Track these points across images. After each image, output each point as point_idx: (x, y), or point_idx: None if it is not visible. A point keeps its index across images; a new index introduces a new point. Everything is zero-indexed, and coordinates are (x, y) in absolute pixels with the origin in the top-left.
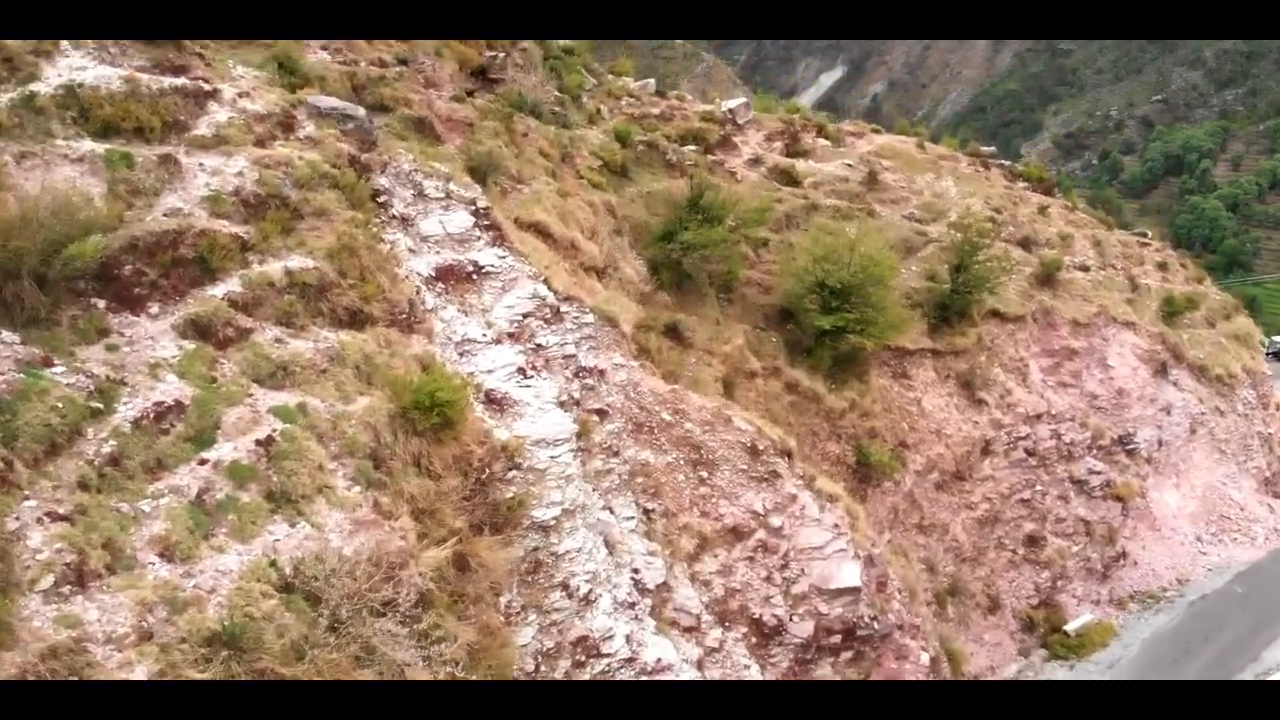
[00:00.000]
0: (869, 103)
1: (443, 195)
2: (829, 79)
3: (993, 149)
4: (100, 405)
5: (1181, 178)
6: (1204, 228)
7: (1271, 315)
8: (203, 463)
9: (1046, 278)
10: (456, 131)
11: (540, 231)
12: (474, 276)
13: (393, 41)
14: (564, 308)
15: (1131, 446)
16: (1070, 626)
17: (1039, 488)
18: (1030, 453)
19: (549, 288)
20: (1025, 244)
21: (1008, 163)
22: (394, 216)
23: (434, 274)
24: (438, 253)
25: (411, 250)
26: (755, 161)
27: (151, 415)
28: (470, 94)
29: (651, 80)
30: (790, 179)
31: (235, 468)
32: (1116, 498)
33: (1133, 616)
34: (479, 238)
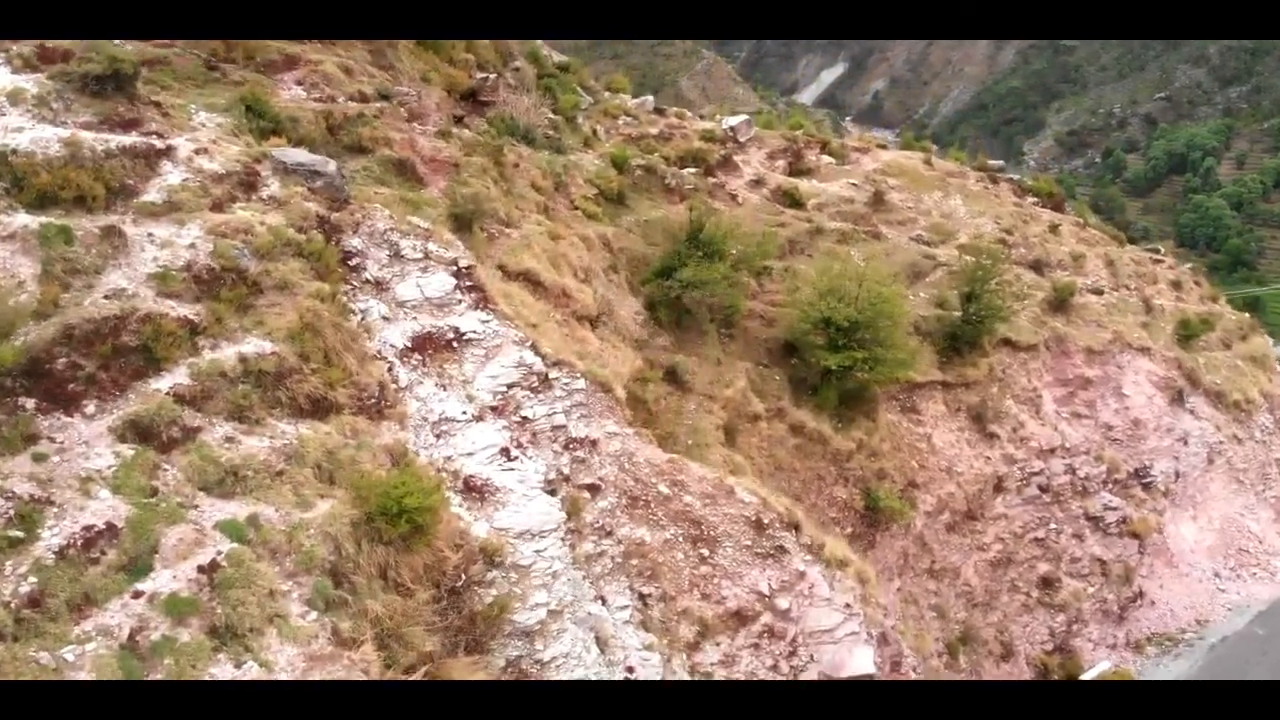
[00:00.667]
0: (870, 100)
1: (421, 256)
2: (830, 76)
3: (1001, 163)
4: (21, 533)
5: (1185, 176)
6: (1208, 227)
7: (1275, 317)
8: (137, 596)
9: (1060, 303)
10: (441, 172)
11: (530, 280)
12: (454, 344)
13: (375, 72)
14: (553, 373)
15: (1148, 480)
16: (1087, 675)
17: (1053, 526)
18: (1044, 489)
19: (536, 352)
20: (1037, 267)
21: (1016, 177)
22: (367, 281)
23: (410, 344)
24: (415, 319)
25: (385, 318)
26: (757, 182)
27: (80, 542)
28: (459, 120)
29: (649, 98)
30: (793, 200)
31: (173, 601)
32: (1133, 534)
33: (1151, 662)
34: (460, 301)
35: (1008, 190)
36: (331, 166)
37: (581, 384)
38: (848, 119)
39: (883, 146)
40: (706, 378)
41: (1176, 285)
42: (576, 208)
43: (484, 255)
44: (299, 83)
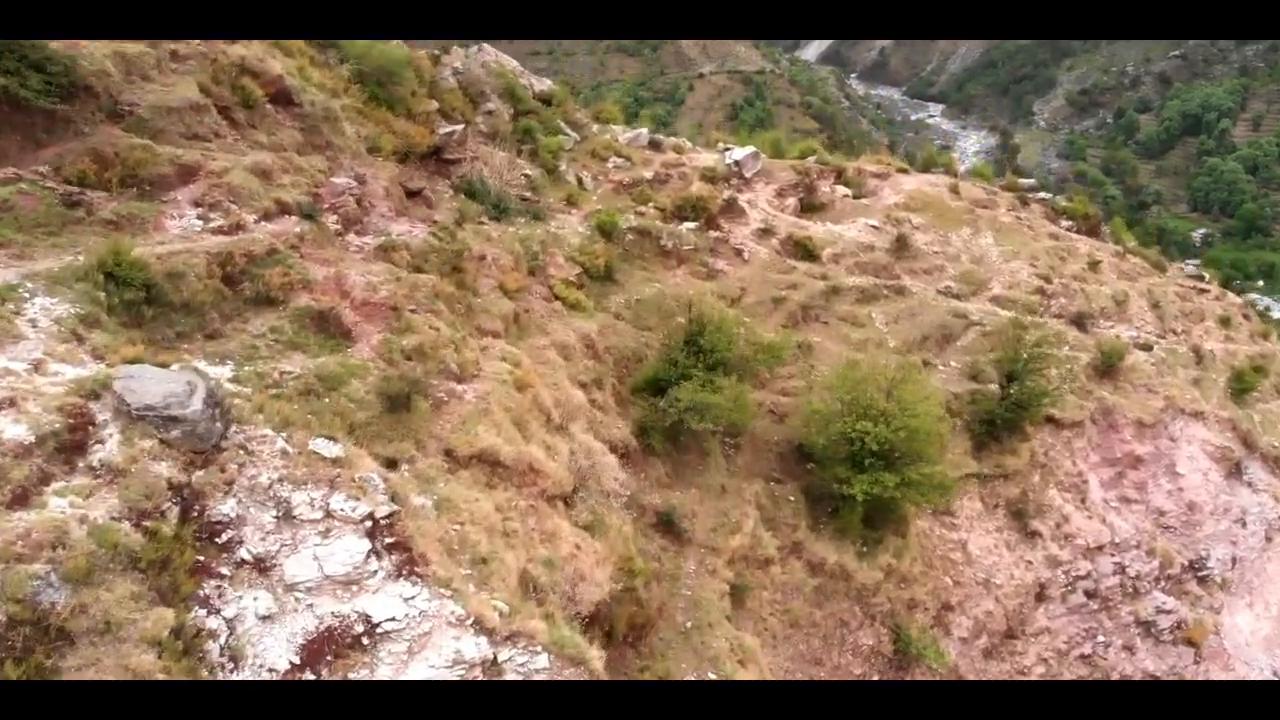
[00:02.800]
0: (876, 56)
1: (321, 514)
2: None
3: (1032, 181)
4: None
5: (1200, 138)
6: (1222, 191)
7: None
8: None
9: (1107, 368)
10: (376, 319)
11: (488, 461)
12: (365, 640)
13: (303, 164)
14: (504, 653)
15: (1204, 573)
16: None
17: (1101, 638)
18: (1091, 594)
19: (481, 629)
20: (1080, 321)
21: (1048, 197)
22: (243, 562)
23: (301, 655)
24: (311, 608)
25: (267, 617)
26: (765, 232)
27: None
28: (416, 195)
29: (643, 131)
30: (806, 252)
31: None
32: (1188, 641)
33: None
34: (376, 571)
35: (1040, 215)
36: (196, 405)
37: (543, 661)
38: (853, 76)
39: (904, 170)
40: (709, 521)
41: (1225, 322)
42: (556, 296)
43: (427, 437)
44: (196, 204)
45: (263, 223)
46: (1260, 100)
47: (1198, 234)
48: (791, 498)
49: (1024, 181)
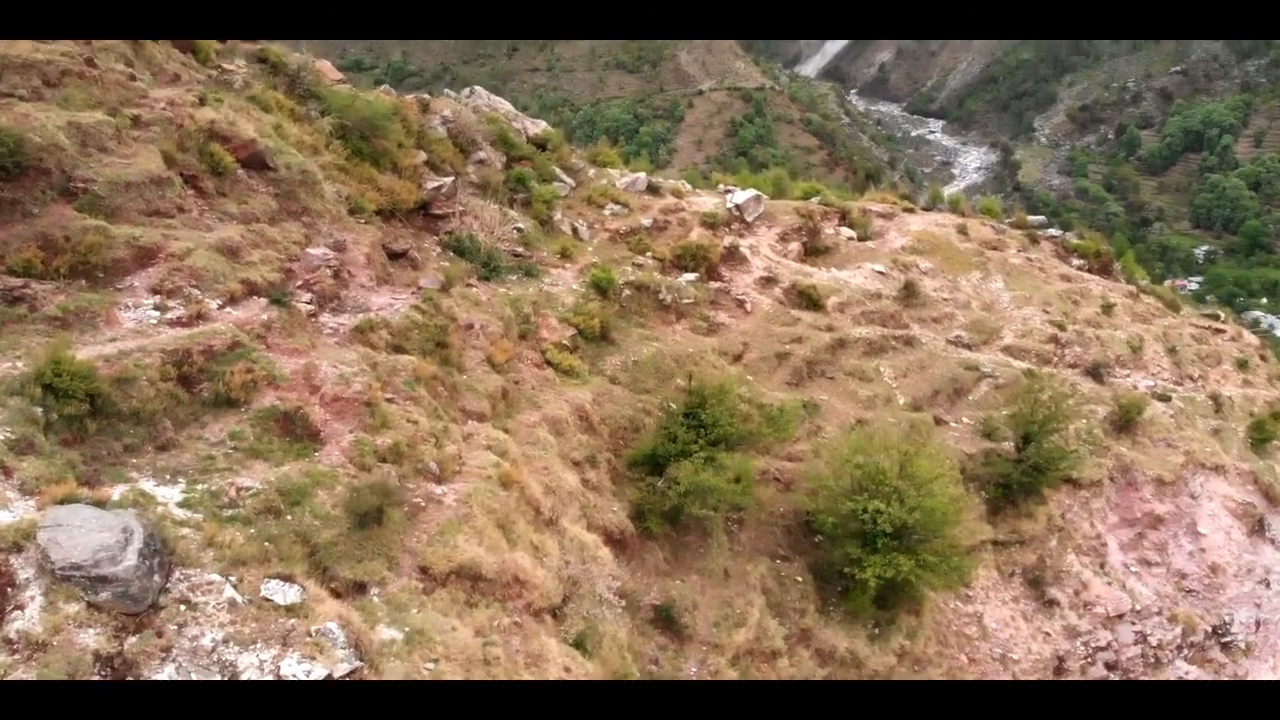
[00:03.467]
0: (876, 72)
1: (270, 679)
2: (834, 47)
3: (1041, 219)
4: None
5: (1202, 154)
6: (1225, 207)
7: None
8: None
9: (1125, 423)
10: (348, 415)
11: (468, 576)
12: None
13: (275, 236)
14: None
15: (1228, 638)
16: None
17: None
18: (1111, 666)
19: None
20: (1096, 372)
21: (1058, 233)
22: None
23: None
24: None
25: None
26: (768, 280)
27: None
28: (400, 256)
29: (641, 175)
30: (811, 302)
31: None
32: None
33: None
34: None
35: (1050, 254)
36: (130, 560)
37: None
38: (853, 92)
39: (910, 209)
40: (711, 614)
41: (1242, 365)
42: (549, 361)
43: (400, 553)
44: (154, 291)
45: (227, 308)
46: (1262, 116)
47: (1200, 251)
48: (799, 578)
49: (1033, 219)
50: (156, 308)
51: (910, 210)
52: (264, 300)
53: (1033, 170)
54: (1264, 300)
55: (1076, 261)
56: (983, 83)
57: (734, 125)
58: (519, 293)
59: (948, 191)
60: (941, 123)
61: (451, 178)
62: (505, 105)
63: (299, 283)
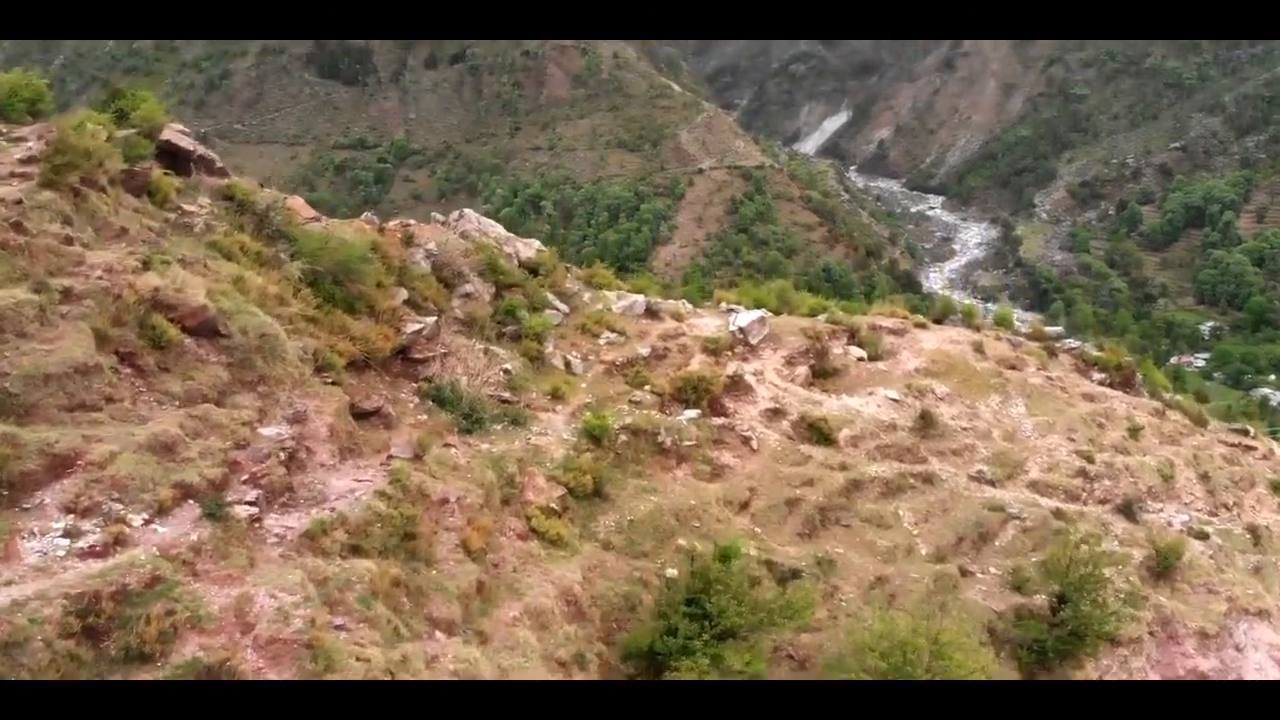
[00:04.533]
0: (875, 149)
1: None
2: (833, 124)
3: (1059, 329)
4: None
5: (1204, 230)
6: (1229, 283)
7: None
8: None
9: (1163, 570)
10: (285, 660)
11: None
12: None
13: (222, 418)
14: None
15: None
16: None
17: None
18: None
19: None
20: (1128, 510)
21: (1076, 344)
22: None
23: None
24: None
25: None
26: (775, 412)
27: None
28: (370, 416)
29: (639, 298)
30: (822, 435)
31: None
32: None
33: None
34: None
35: (1070, 368)
36: None
37: None
38: (852, 169)
39: (921, 325)
40: None
41: (1276, 488)
42: (534, 530)
43: None
44: (67, 509)
45: (154, 523)
46: (1264, 192)
47: (1206, 327)
48: None
49: (1050, 329)
50: (67, 533)
51: (922, 325)
52: (198, 511)
53: (1034, 246)
54: (1271, 377)
55: (1097, 375)
56: (982, 159)
57: (734, 203)
58: (503, 448)
59: (948, 268)
60: (941, 199)
61: (434, 317)
62: (496, 229)
63: (244, 477)
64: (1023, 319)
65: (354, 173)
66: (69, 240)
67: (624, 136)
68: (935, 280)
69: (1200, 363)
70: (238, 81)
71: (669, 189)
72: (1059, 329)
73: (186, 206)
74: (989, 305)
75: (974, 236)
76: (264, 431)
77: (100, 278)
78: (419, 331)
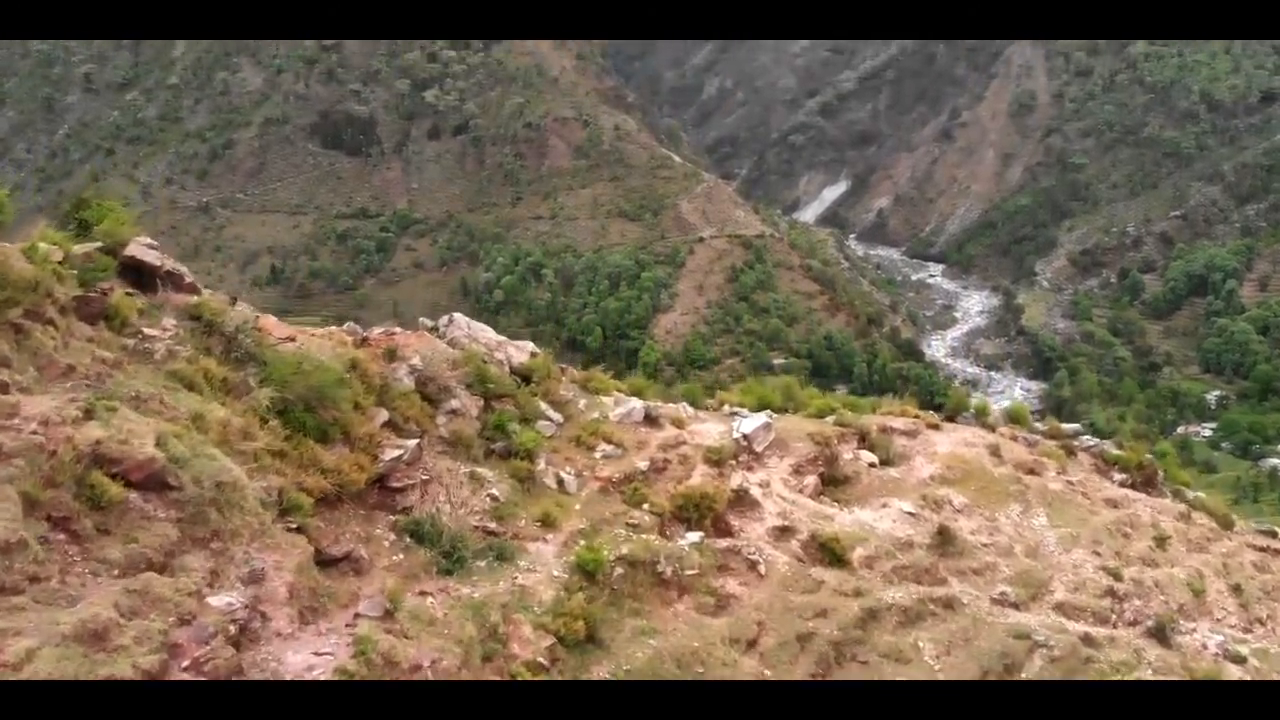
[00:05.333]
0: (874, 218)
1: None
2: (832, 193)
3: (1076, 426)
4: None
5: (1207, 299)
6: (1234, 352)
7: None
8: None
9: None
10: None
11: None
12: None
13: (167, 590)
14: None
15: None
16: None
17: None
18: None
19: None
20: (1160, 632)
21: (1094, 443)
22: None
23: None
24: None
25: None
26: (783, 530)
27: None
28: (339, 562)
29: (636, 404)
30: (834, 556)
31: None
32: None
33: None
34: None
35: (1089, 468)
36: None
37: None
38: (852, 236)
39: (934, 425)
40: None
41: None
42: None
43: None
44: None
45: None
46: (1266, 261)
47: (1212, 396)
48: None
49: (1068, 427)
50: None
51: (934, 426)
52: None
53: (1036, 314)
54: (1279, 446)
55: (1118, 476)
56: (981, 227)
57: (735, 271)
58: (487, 591)
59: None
60: (941, 266)
61: (416, 440)
62: (487, 333)
63: (185, 663)
64: (1026, 387)
65: (356, 241)
66: (4, 387)
67: (625, 206)
68: (937, 348)
69: (1207, 432)
70: (241, 151)
71: (670, 257)
72: (1076, 426)
73: (148, 330)
74: (992, 374)
75: (975, 304)
76: (213, 601)
77: (35, 432)
78: (399, 458)
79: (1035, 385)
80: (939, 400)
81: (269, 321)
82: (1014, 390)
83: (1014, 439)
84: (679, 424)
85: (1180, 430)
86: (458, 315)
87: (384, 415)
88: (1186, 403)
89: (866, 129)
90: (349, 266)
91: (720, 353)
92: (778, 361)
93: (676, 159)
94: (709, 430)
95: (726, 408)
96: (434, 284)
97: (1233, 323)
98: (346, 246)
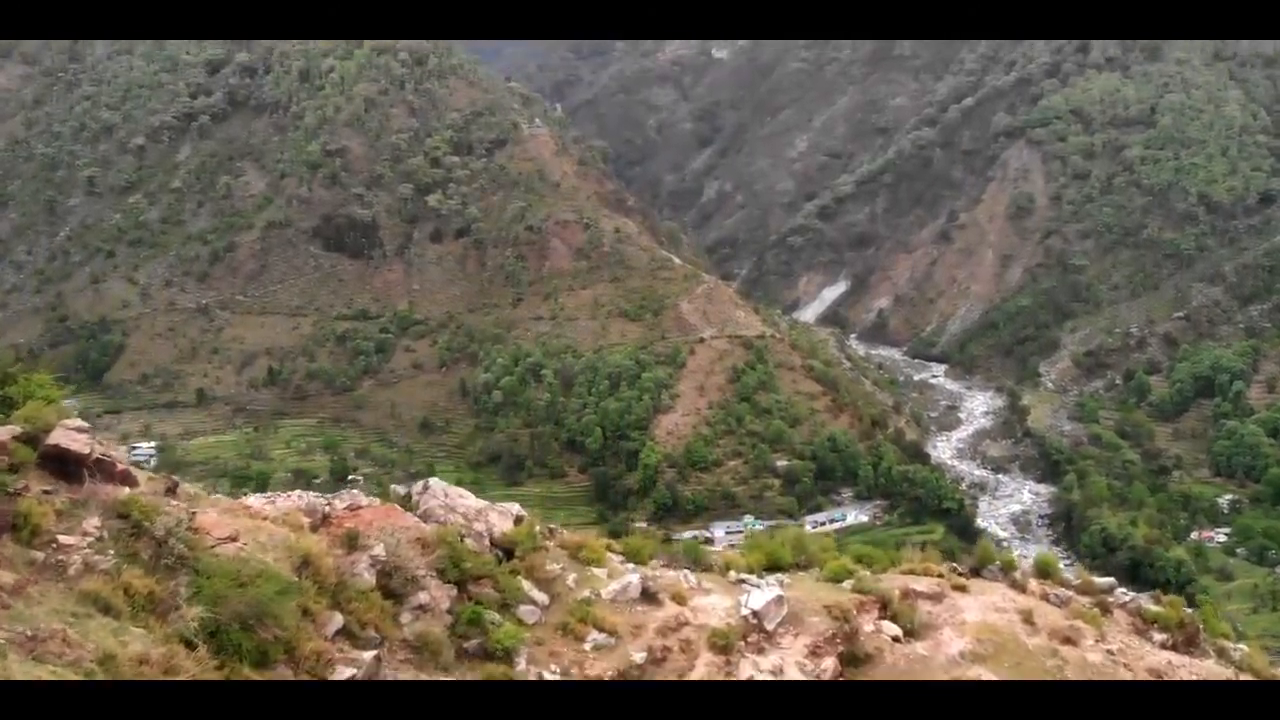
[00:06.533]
0: (875, 318)
1: None
2: (832, 293)
3: (1110, 580)
4: None
5: (1215, 400)
6: (1244, 455)
7: None
8: None
9: None
10: None
11: None
12: None
13: None
14: None
15: None
16: None
17: None
18: None
19: None
20: None
21: (1129, 596)
22: None
23: None
24: None
25: None
26: None
27: None
28: None
29: (632, 578)
30: None
31: None
32: None
33: None
34: None
35: (1128, 628)
36: None
37: None
38: (853, 336)
39: (960, 588)
40: None
41: None
42: None
43: None
44: None
45: None
46: (1272, 362)
47: (1225, 500)
48: None
49: (1101, 581)
50: None
51: (961, 588)
52: None
53: (1042, 416)
54: None
55: (1158, 635)
56: (983, 328)
57: (736, 371)
58: None
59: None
60: (944, 367)
61: (373, 651)
62: (467, 500)
63: None
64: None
65: (355, 342)
66: None
67: (625, 306)
68: (943, 450)
69: (1221, 538)
70: (242, 253)
71: (670, 357)
72: (1110, 580)
73: (64, 539)
74: (1000, 477)
75: (979, 405)
76: None
77: None
78: (351, 679)
79: (1044, 488)
80: (947, 506)
81: (208, 520)
82: (1022, 494)
83: (1045, 598)
84: (680, 599)
85: (1194, 536)
86: (434, 481)
87: (338, 621)
88: (1199, 507)
89: (865, 231)
90: (347, 368)
91: (722, 454)
92: (781, 464)
93: (676, 260)
94: (714, 606)
95: (732, 574)
96: (432, 385)
97: (1242, 425)
98: (345, 348)
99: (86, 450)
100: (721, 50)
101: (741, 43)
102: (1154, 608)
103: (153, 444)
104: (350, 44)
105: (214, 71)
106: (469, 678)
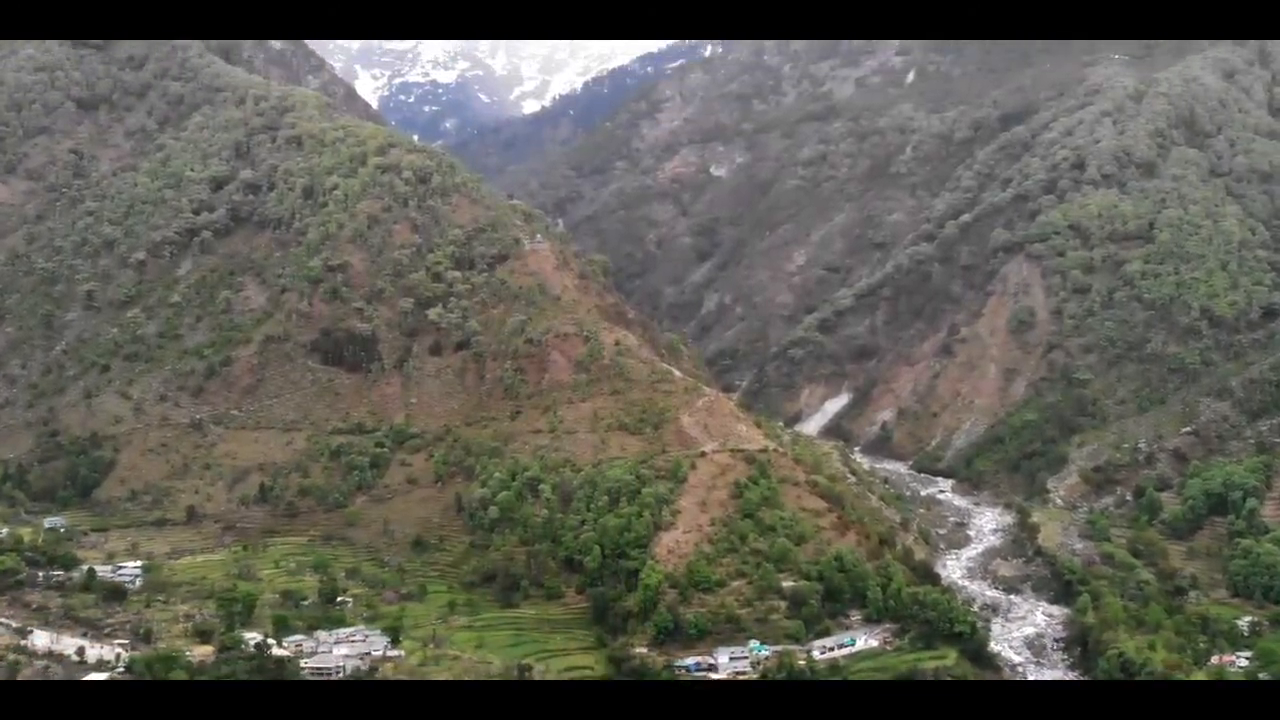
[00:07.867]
0: (878, 431)
1: None
2: (834, 406)
3: None
4: None
5: (1228, 518)
6: (1262, 574)
7: None
8: None
9: None
10: None
11: None
12: None
13: None
14: None
15: None
16: None
17: None
18: None
19: None
20: None
21: None
22: None
23: None
24: None
25: None
26: None
27: None
28: None
29: None
30: None
31: None
32: None
33: None
34: None
35: None
36: None
37: None
38: (856, 449)
39: None
40: None
41: None
42: None
43: None
44: None
45: None
46: None
47: (1244, 622)
48: None
49: None
50: None
51: None
52: None
53: (1052, 533)
54: None
55: None
56: (989, 442)
57: (738, 487)
58: None
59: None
60: (951, 482)
61: None
62: None
63: None
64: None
65: (349, 457)
66: None
67: (625, 419)
68: (953, 569)
69: (1243, 662)
70: (239, 368)
71: (671, 472)
72: None
73: None
74: (1012, 598)
75: (988, 521)
76: None
77: None
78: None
79: (1057, 610)
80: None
81: None
82: (1035, 616)
83: None
84: None
85: (1214, 660)
86: None
87: None
88: (1218, 629)
89: (865, 343)
90: (340, 483)
91: (726, 574)
92: (787, 584)
93: (677, 373)
94: None
95: None
96: (427, 500)
97: (1258, 544)
98: (340, 463)
99: None
100: (720, 168)
101: (740, 160)
102: None
103: (139, 563)
104: (354, 162)
105: (218, 188)
106: None
